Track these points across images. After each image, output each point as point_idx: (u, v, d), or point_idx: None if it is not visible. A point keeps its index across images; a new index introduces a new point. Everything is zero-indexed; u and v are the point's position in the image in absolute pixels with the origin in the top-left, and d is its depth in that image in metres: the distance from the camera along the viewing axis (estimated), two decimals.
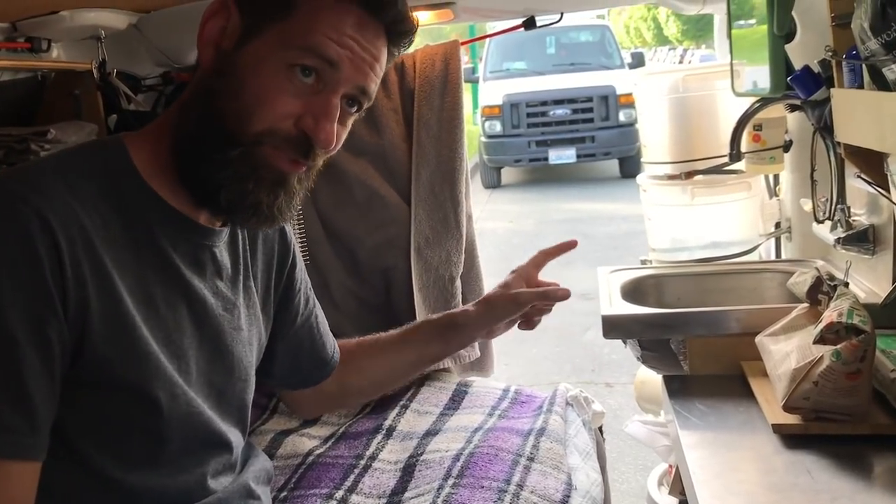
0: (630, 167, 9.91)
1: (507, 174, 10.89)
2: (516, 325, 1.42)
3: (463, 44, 2.02)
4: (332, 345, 1.37)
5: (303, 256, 2.00)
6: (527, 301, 1.37)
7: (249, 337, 1.12)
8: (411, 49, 2.08)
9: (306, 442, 1.68)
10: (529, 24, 2.07)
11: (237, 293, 1.09)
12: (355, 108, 1.02)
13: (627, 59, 11.36)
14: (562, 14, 2.09)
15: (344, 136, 1.03)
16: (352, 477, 1.54)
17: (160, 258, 0.97)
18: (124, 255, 0.92)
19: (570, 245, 1.45)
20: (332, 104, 0.96)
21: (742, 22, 1.84)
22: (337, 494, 1.47)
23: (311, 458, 1.62)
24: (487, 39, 11.18)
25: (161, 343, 0.94)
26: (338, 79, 0.96)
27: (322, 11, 0.94)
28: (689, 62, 15.94)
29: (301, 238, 2.02)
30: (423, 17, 2.02)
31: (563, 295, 1.37)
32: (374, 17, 0.98)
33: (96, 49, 1.82)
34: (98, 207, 0.91)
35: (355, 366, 1.39)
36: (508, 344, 4.43)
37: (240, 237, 1.11)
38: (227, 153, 0.93)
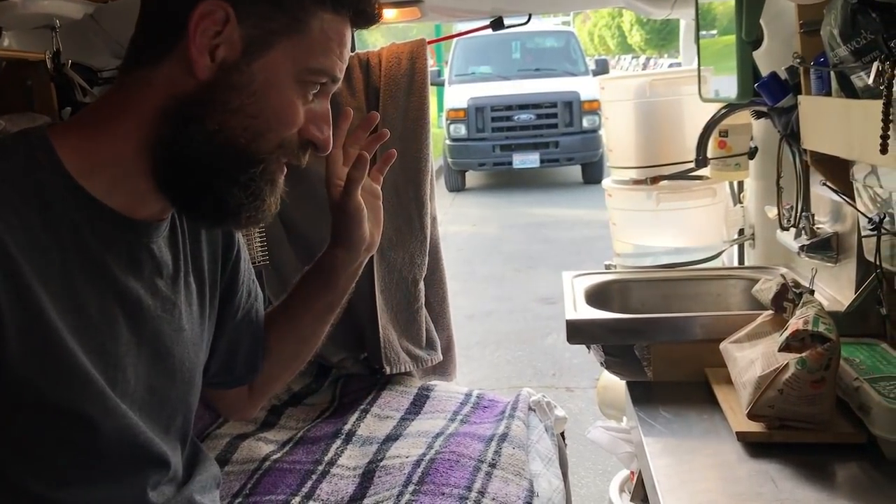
0: (593, 173, 10.01)
1: (471, 178, 10.91)
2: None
3: (430, 43, 1.99)
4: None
5: (263, 257, 1.96)
6: (351, 194, 1.16)
7: (193, 336, 1.06)
8: (378, 44, 2.05)
9: (262, 447, 1.64)
10: (497, 24, 2.05)
11: (177, 291, 1.03)
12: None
13: (591, 66, 11.45)
14: (530, 16, 2.07)
15: None
16: (309, 483, 1.50)
17: (90, 261, 0.90)
18: (48, 261, 0.85)
19: (381, 136, 1.30)
20: (327, 110, 0.98)
21: (711, 32, 1.84)
22: (293, 501, 1.43)
23: (267, 463, 1.58)
24: (453, 43, 11.20)
25: (93, 354, 0.88)
26: (333, 87, 0.98)
27: (331, 30, 0.95)
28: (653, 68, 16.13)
29: (261, 238, 1.97)
30: (389, 15, 1.99)
31: (362, 161, 1.15)
32: (354, 22, 1.00)
33: (51, 39, 1.75)
34: (16, 209, 0.84)
35: (266, 350, 1.26)
36: (470, 348, 4.42)
37: (179, 230, 1.05)
38: (249, 172, 0.93)
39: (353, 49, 2.16)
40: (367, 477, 1.52)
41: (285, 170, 0.99)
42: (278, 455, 1.62)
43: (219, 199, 0.93)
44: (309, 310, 1.25)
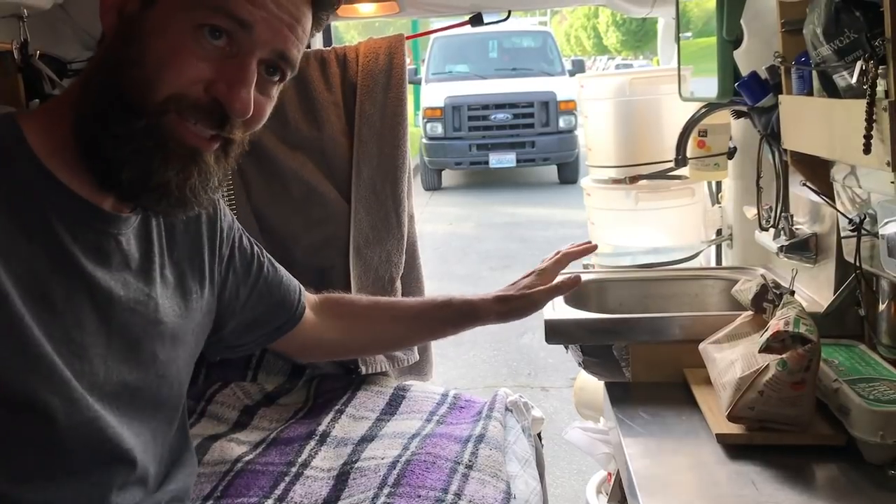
0: (568, 173, 10.06)
1: (448, 177, 10.92)
2: None
3: (408, 38, 1.97)
4: (294, 292, 1.37)
5: None
6: (543, 301, 1.41)
7: (174, 329, 1.03)
8: (354, 42, 2.02)
9: (235, 448, 1.61)
10: (476, 20, 2.03)
11: (152, 284, 1.00)
12: (277, 77, 0.94)
13: (568, 67, 11.49)
14: (509, 12, 2.05)
15: (269, 109, 0.95)
16: (282, 485, 1.47)
17: (56, 248, 0.87)
18: (13, 247, 0.83)
19: (591, 248, 1.50)
20: (246, 69, 0.88)
21: (688, 33, 1.83)
22: (266, 503, 1.40)
23: (239, 464, 1.55)
24: (430, 41, 11.19)
25: (57, 342, 0.86)
26: (252, 41, 0.88)
27: None
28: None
29: None
30: (366, 9, 1.97)
31: (574, 283, 1.41)
32: None
33: (18, 28, 1.71)
34: None
35: (364, 324, 1.45)
36: (445, 347, 4.41)
37: (154, 224, 1.03)
38: (130, 125, 0.85)
39: (329, 44, 2.13)
40: (342, 479, 1.49)
41: (207, 145, 0.90)
42: (251, 456, 1.58)
43: (104, 157, 0.87)
44: (428, 329, 1.49)
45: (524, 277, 1.44)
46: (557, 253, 1.48)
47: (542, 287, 1.40)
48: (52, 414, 0.85)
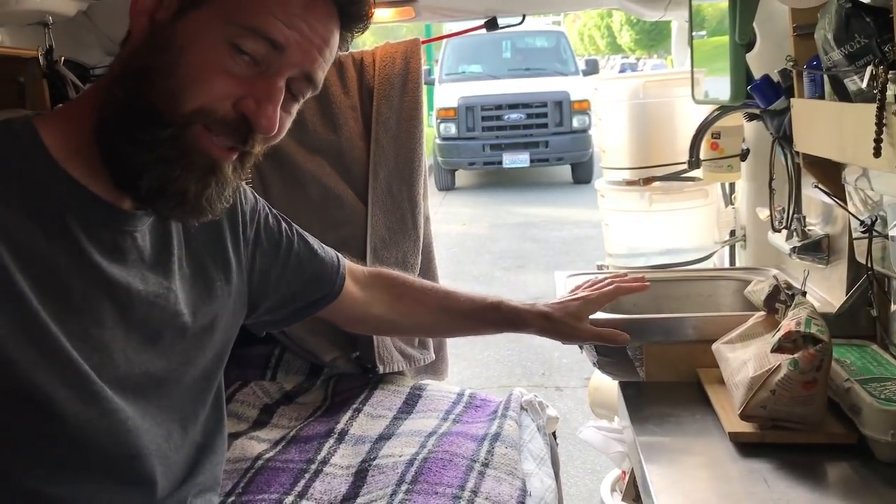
0: (582, 173, 10.04)
1: (461, 177, 10.92)
2: None
3: (423, 42, 2.00)
4: (331, 266, 1.37)
5: None
6: (586, 339, 1.45)
7: (198, 319, 1.05)
8: (371, 47, 2.05)
9: (255, 445, 1.64)
10: (491, 24, 2.05)
11: (171, 277, 1.02)
12: (300, 97, 0.96)
13: (582, 66, 11.47)
14: (524, 16, 2.08)
15: (287, 125, 0.97)
16: (302, 482, 1.50)
17: (73, 246, 0.89)
18: (30, 245, 0.85)
19: (644, 287, 1.52)
20: (275, 88, 0.90)
21: (703, 32, 1.85)
22: (287, 500, 1.43)
23: (260, 462, 1.58)
24: (444, 42, 11.19)
25: (75, 338, 0.87)
26: (283, 62, 0.90)
27: None
28: (641, 71, 16.21)
29: None
30: (384, 14, 1.99)
31: (623, 339, 1.43)
32: None
33: (43, 35, 1.75)
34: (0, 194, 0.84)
35: (413, 307, 1.46)
36: (460, 347, 4.43)
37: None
38: (154, 133, 0.86)
39: (346, 48, 2.16)
40: (361, 476, 1.52)
41: (227, 155, 0.92)
42: (271, 454, 1.61)
43: (125, 161, 0.89)
44: (471, 327, 1.48)
45: (572, 300, 1.46)
46: (611, 283, 1.50)
47: (591, 328, 1.44)
48: (71, 408, 0.86)
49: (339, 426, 1.70)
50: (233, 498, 1.46)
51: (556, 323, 1.42)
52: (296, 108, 0.97)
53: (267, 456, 1.60)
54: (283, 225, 1.30)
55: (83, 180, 0.90)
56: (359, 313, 1.44)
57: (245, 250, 1.18)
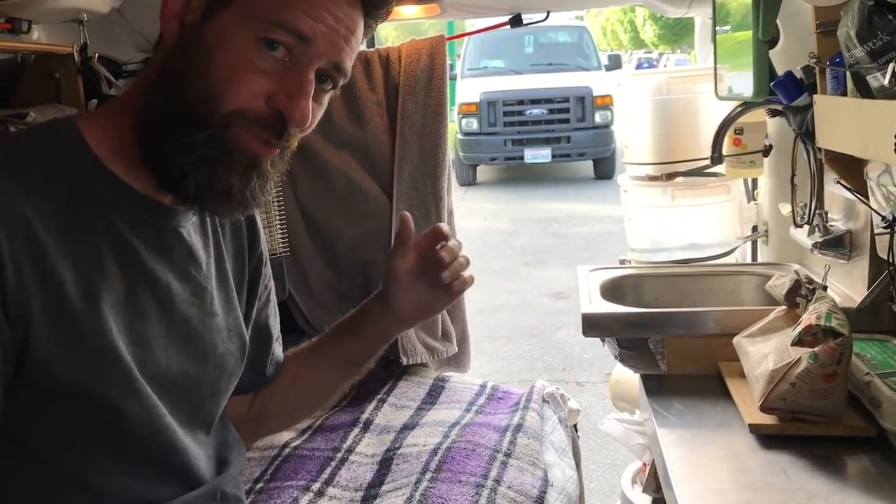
0: (604, 168, 10.00)
1: (483, 172, 10.91)
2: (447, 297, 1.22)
3: (449, 39, 2.02)
4: (275, 351, 1.25)
5: (284, 248, 2.00)
6: (409, 270, 1.21)
7: (228, 322, 1.07)
8: (396, 43, 2.08)
9: (283, 434, 1.67)
10: (516, 21, 2.07)
11: (209, 277, 1.04)
12: (330, 86, 0.96)
13: (604, 61, 11.42)
14: (548, 13, 2.09)
15: (319, 115, 0.97)
16: (329, 469, 1.53)
17: (118, 243, 0.91)
18: (77, 243, 0.87)
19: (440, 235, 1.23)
20: (306, 80, 0.91)
21: (726, 27, 1.86)
22: (314, 487, 1.46)
23: (287, 450, 1.62)
24: (466, 37, 11.18)
25: (122, 332, 0.89)
26: (311, 54, 0.90)
27: None
28: (665, 66, 16.11)
29: (282, 229, 2.01)
30: (410, 11, 2.02)
31: (441, 234, 1.19)
32: None
33: (78, 32, 1.79)
34: (46, 194, 0.86)
35: (279, 384, 1.25)
36: (481, 342, 4.45)
37: (209, 219, 1.07)
38: (193, 136, 0.88)
39: (372, 45, 2.19)
40: (385, 464, 1.55)
41: (267, 151, 0.92)
42: (298, 442, 1.65)
43: (168, 164, 0.90)
44: (335, 358, 1.22)
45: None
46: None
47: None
48: (115, 402, 0.88)
49: (364, 416, 1.73)
50: (261, 484, 1.50)
51: (387, 298, 1.20)
52: (326, 99, 0.98)
53: (294, 444, 1.64)
54: (269, 282, 1.24)
55: (126, 178, 0.93)
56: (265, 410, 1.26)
57: (250, 278, 1.17)
